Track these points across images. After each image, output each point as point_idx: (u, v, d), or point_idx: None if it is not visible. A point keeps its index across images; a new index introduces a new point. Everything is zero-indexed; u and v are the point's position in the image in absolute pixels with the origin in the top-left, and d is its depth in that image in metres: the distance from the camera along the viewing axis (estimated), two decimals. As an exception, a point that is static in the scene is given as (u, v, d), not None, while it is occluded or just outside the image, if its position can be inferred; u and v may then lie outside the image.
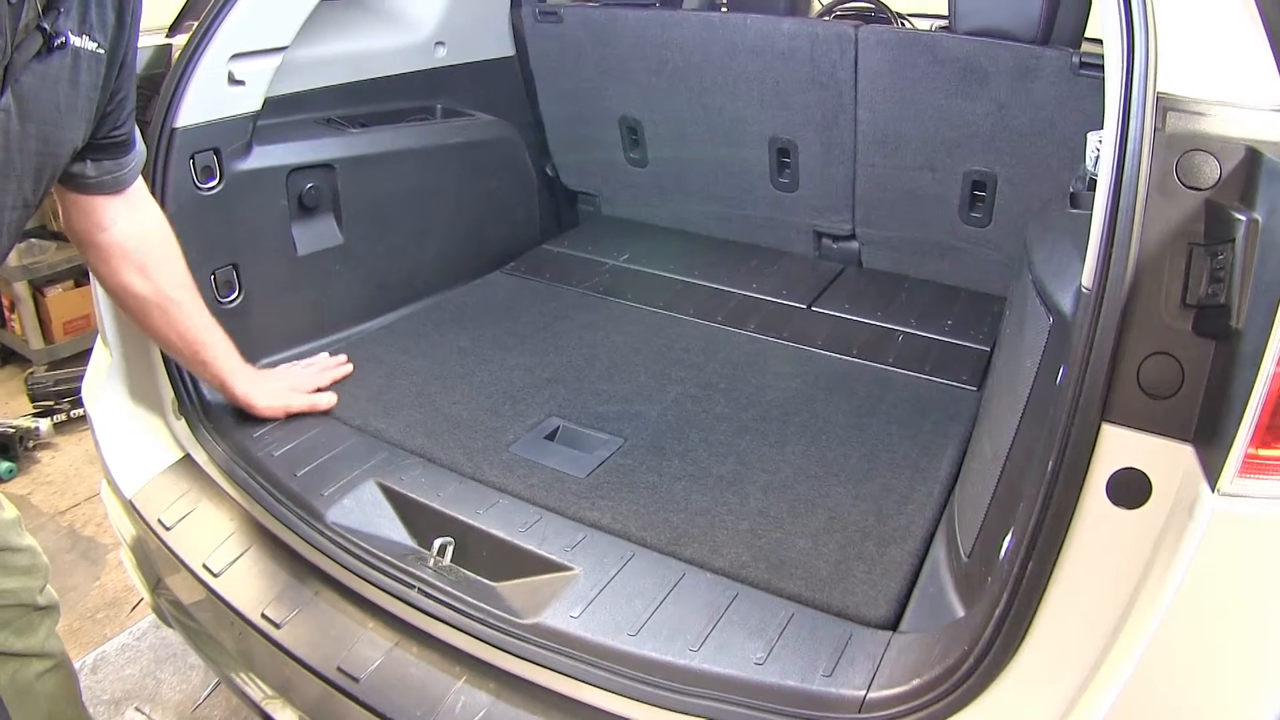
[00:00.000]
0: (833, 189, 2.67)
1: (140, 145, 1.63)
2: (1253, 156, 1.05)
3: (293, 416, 1.97)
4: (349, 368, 2.14)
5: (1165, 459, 1.06)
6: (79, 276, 3.85)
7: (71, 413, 3.55)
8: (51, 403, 3.57)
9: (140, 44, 1.90)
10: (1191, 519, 1.03)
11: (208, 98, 1.93)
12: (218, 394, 1.96)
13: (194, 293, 1.79)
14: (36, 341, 3.82)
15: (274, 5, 2.01)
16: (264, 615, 1.58)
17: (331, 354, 2.19)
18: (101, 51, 1.37)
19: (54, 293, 3.81)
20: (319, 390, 2.04)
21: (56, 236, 3.88)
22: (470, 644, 1.46)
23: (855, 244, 2.78)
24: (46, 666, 1.75)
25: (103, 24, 1.36)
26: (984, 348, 2.31)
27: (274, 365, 2.15)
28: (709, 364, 2.23)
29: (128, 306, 1.76)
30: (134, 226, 1.67)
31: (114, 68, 1.42)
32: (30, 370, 3.81)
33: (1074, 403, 1.09)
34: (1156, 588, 1.06)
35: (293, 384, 2.02)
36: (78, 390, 3.59)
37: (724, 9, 2.97)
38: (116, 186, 1.60)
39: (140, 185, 1.68)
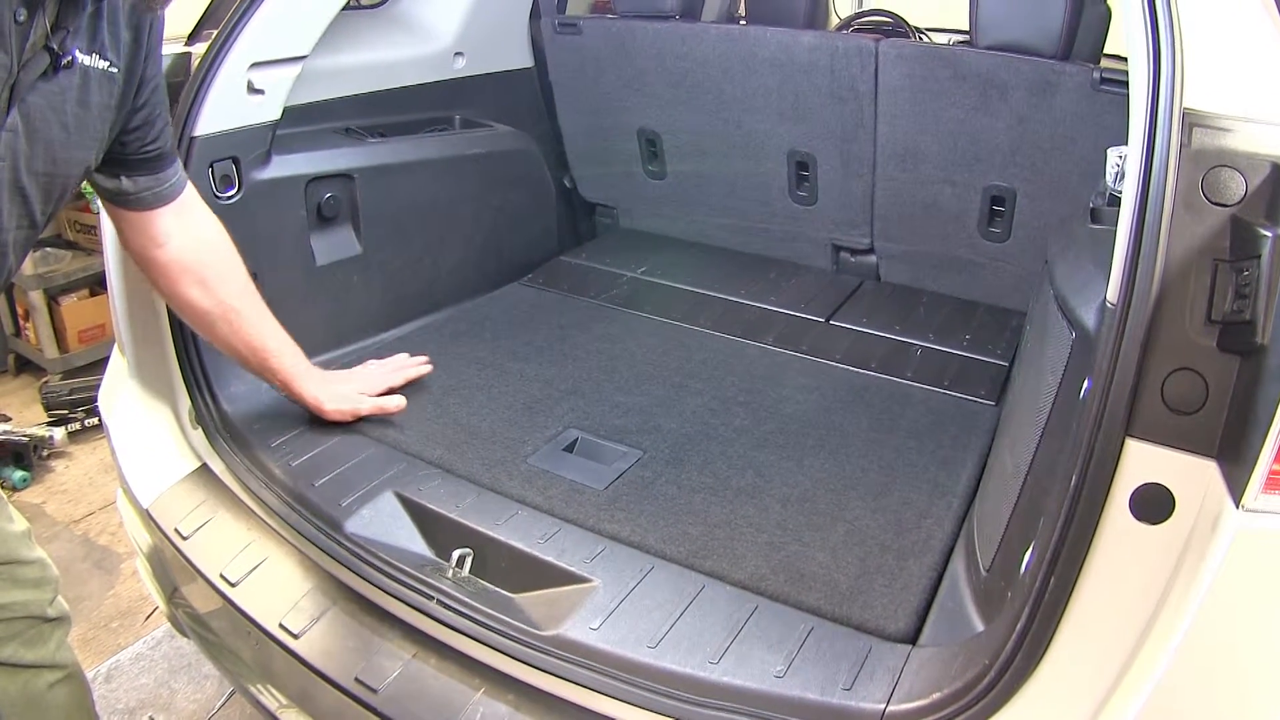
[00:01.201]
0: (851, 203, 2.67)
1: (179, 161, 1.66)
2: (1279, 173, 1.05)
3: (311, 426, 1.97)
4: (427, 368, 2.15)
5: (1189, 475, 1.06)
6: (94, 285, 3.87)
7: (86, 421, 3.57)
8: (66, 411, 3.59)
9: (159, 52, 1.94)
10: (1215, 535, 1.02)
11: (227, 106, 1.94)
12: (234, 403, 1.97)
13: (256, 299, 1.82)
14: (51, 350, 3.84)
15: (293, 14, 2.02)
16: (282, 625, 1.58)
17: (352, 365, 2.20)
18: (115, 70, 1.36)
19: (69, 302, 3.83)
20: (391, 391, 2.05)
21: (71, 246, 3.91)
22: (489, 655, 1.46)
23: (873, 258, 2.79)
24: (58, 677, 1.75)
25: (115, 42, 1.36)
26: (1002, 362, 2.30)
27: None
28: (727, 377, 2.23)
29: (192, 319, 1.80)
30: (189, 240, 1.69)
31: (131, 86, 1.42)
32: (45, 379, 3.83)
33: (1098, 418, 1.09)
34: (1179, 604, 1.05)
35: (361, 386, 2.02)
36: (92, 399, 3.61)
37: (743, 21, 2.98)
38: (159, 201, 1.62)
39: (191, 196, 1.70)
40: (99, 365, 3.80)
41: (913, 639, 1.47)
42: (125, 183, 1.55)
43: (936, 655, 1.37)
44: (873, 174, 2.59)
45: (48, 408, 3.62)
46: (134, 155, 1.52)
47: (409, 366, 2.12)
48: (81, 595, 2.76)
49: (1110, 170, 1.91)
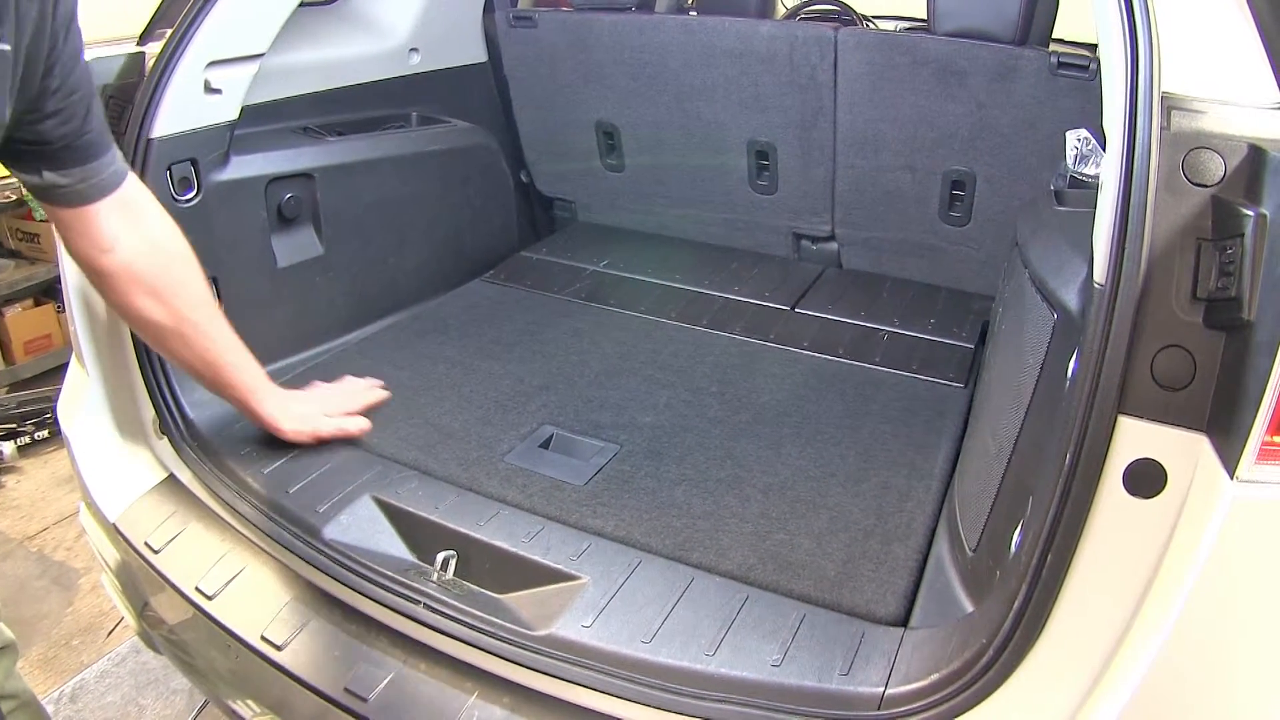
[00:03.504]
0: (812, 191, 2.69)
1: (117, 152, 1.52)
2: (1256, 154, 1.07)
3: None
4: (384, 394, 2.03)
5: (1180, 449, 1.08)
6: (39, 295, 3.76)
7: (36, 435, 3.45)
8: (15, 425, 3.47)
9: (111, 52, 1.88)
10: (1211, 506, 1.05)
11: (184, 107, 1.88)
12: (200, 411, 1.92)
13: (213, 310, 1.72)
14: (-4, 362, 3.72)
15: (250, 11, 1.97)
16: (264, 637, 1.55)
17: (317, 367, 2.16)
18: (6, 48, 1.21)
19: (13, 312, 3.71)
20: (351, 414, 1.93)
21: (14, 255, 3.79)
22: (481, 658, 1.44)
23: (834, 245, 2.80)
24: (10, 708, 1.67)
25: (10, 17, 1.21)
26: (968, 345, 2.33)
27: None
28: (698, 368, 2.23)
29: (144, 332, 1.70)
30: (140, 245, 1.57)
31: (35, 66, 1.28)
32: (-10, 392, 3.71)
33: (1090, 396, 1.10)
34: (1176, 573, 1.08)
35: (323, 407, 1.92)
36: (42, 411, 3.51)
37: (693, 13, 2.97)
38: (96, 193, 1.49)
39: (138, 193, 1.58)
40: (47, 376, 3.71)
41: (904, 622, 1.48)
42: (50, 176, 1.41)
43: (930, 636, 1.39)
44: (833, 162, 2.61)
45: (-5, 422, 3.51)
46: (58, 145, 1.39)
47: (362, 390, 2.01)
48: (39, 613, 2.68)
49: (1070, 153, 1.95)
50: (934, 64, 2.34)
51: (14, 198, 3.54)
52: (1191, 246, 1.09)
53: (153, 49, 1.89)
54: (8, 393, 3.66)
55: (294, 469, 1.83)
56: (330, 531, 1.66)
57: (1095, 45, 2.54)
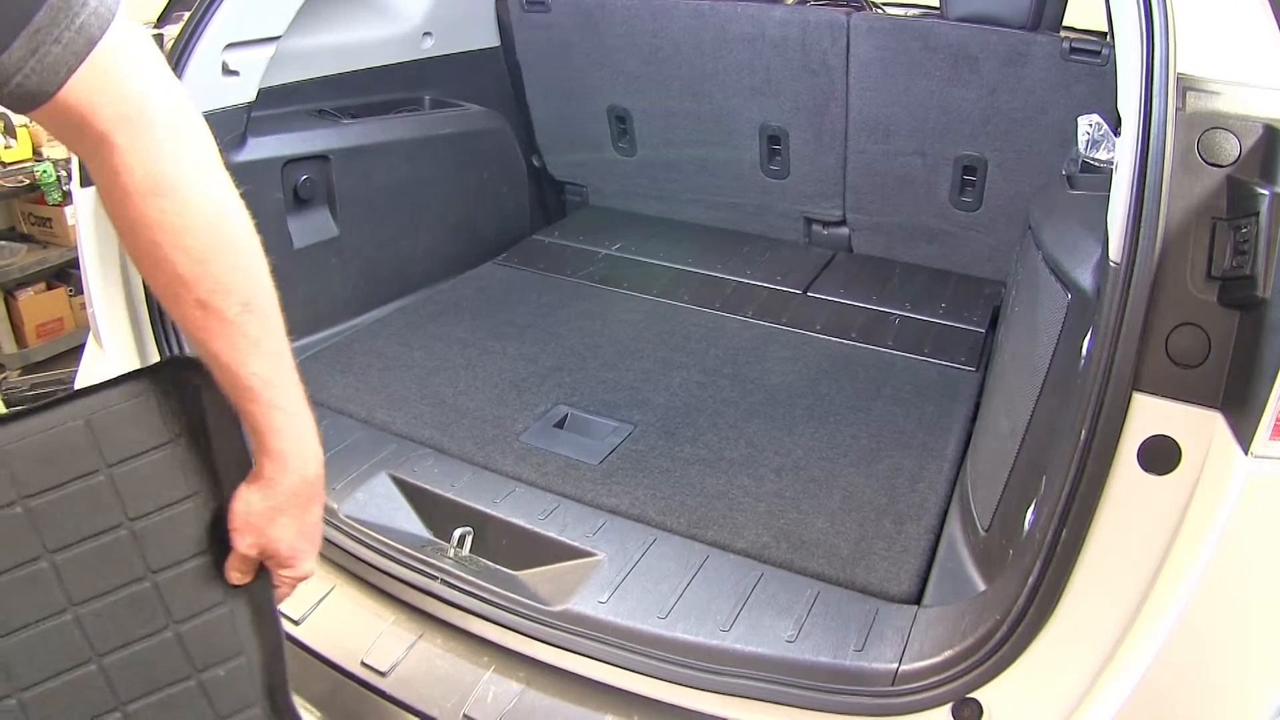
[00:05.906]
0: (823, 176, 2.69)
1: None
2: (1271, 134, 1.08)
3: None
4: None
5: (1194, 425, 1.09)
6: (50, 279, 3.78)
7: (48, 416, 3.47)
8: (27, 406, 3.49)
9: (130, 36, 1.89)
10: (1225, 482, 1.06)
11: (202, 89, 1.90)
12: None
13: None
14: (9, 346, 3.74)
15: (267, -6, 1.99)
16: (281, 612, 1.57)
17: (332, 348, 2.19)
18: None
19: (25, 296, 3.73)
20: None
21: (26, 239, 3.81)
22: (498, 633, 1.46)
23: (845, 230, 2.81)
24: None
25: None
26: (979, 329, 2.34)
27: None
28: (711, 350, 2.24)
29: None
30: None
31: None
32: (4, 375, 3.73)
33: (1105, 374, 1.11)
34: (1190, 550, 1.09)
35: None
36: (53, 394, 3.51)
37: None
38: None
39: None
40: (59, 360, 3.73)
41: (917, 600, 1.50)
42: None
43: (943, 614, 1.40)
44: (844, 146, 2.61)
45: (8, 404, 3.52)
46: None
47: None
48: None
49: (1082, 138, 1.96)
50: (946, 49, 2.34)
51: (26, 182, 3.55)
52: (1206, 226, 1.09)
53: (170, 31, 1.90)
54: (20, 375, 3.68)
55: (311, 447, 1.84)
56: (347, 508, 1.68)
57: (1105, 33, 2.57)
